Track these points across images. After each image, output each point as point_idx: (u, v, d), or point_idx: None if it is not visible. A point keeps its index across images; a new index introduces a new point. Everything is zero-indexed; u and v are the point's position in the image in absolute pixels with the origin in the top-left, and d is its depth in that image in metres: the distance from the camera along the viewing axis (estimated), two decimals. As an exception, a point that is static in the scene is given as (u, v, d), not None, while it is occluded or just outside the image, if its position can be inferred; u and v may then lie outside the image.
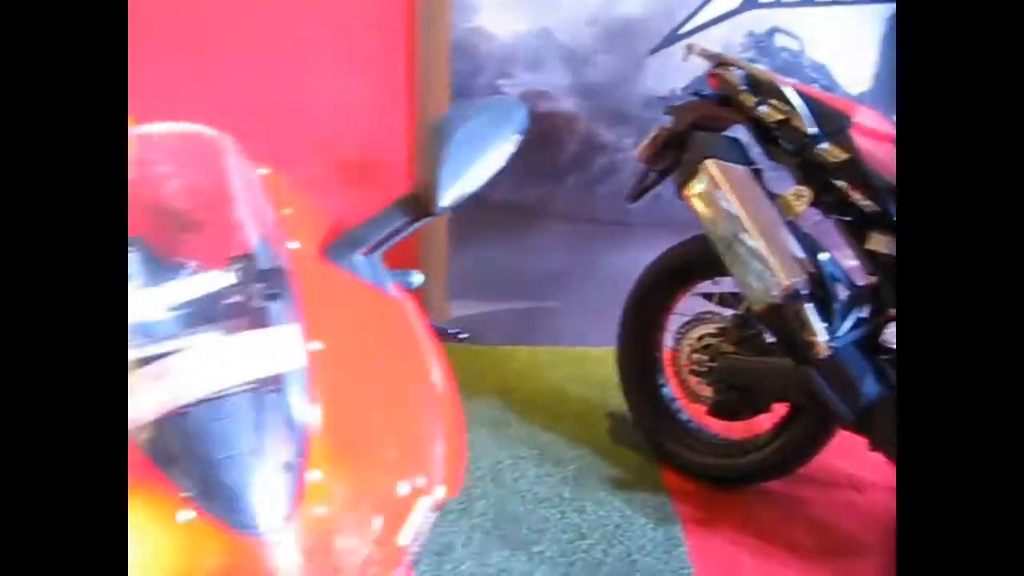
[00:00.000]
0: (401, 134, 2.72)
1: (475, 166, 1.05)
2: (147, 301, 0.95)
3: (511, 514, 2.14)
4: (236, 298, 0.96)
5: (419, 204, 1.05)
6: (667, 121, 2.16)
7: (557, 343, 2.90)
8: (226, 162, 1.02)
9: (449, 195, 1.04)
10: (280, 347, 0.89)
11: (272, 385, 0.87)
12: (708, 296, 2.24)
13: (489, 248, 2.80)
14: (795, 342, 1.93)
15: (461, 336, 1.25)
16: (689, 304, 2.30)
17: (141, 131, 1.02)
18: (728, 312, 2.19)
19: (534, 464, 2.34)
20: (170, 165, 1.06)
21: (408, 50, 2.65)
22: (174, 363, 0.84)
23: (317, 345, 0.92)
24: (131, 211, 1.00)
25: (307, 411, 0.88)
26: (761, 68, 2.05)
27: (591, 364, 2.78)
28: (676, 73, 2.58)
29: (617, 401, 2.48)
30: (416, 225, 1.07)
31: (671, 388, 2.37)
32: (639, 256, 2.35)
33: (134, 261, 0.97)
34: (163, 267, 1.00)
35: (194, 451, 0.81)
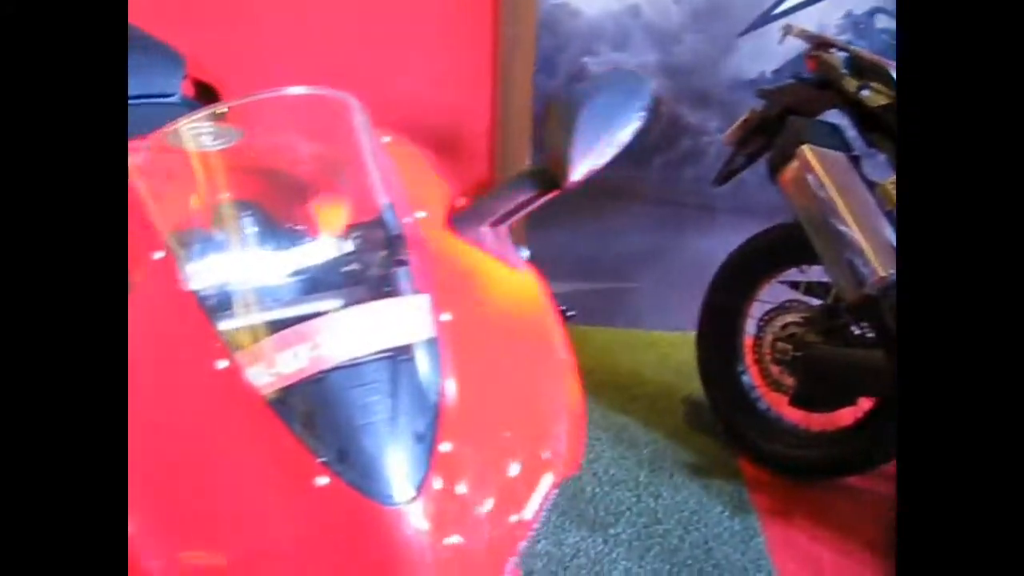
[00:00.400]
0: (484, 107, 2.71)
1: (604, 140, 1.04)
2: (265, 266, 0.95)
3: (587, 495, 2.13)
4: (354, 266, 0.96)
5: (548, 178, 1.04)
6: (759, 104, 2.11)
7: (634, 325, 2.87)
8: (355, 126, 1.01)
9: (579, 169, 1.02)
10: (413, 316, 0.88)
11: (405, 354, 0.86)
12: (794, 284, 2.20)
13: (570, 227, 2.77)
14: (888, 335, 1.88)
15: (570, 314, 1.24)
16: (773, 292, 2.26)
17: (271, 94, 1.01)
18: (815, 301, 2.15)
19: (609, 446, 2.33)
20: (297, 128, 1.06)
21: (494, 24, 2.62)
22: (313, 328, 0.84)
23: (447, 316, 0.91)
24: (247, 175, 1.00)
25: (437, 382, 0.87)
26: (865, 50, 1.98)
27: (667, 348, 2.75)
28: (765, 55, 2.52)
29: (692, 386, 2.45)
30: (544, 199, 1.06)
31: (751, 376, 2.33)
32: (720, 241, 2.31)
33: (249, 226, 0.97)
34: (279, 233, 1.00)
35: (333, 417, 0.81)
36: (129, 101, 1.82)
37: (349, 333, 0.84)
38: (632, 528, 2.04)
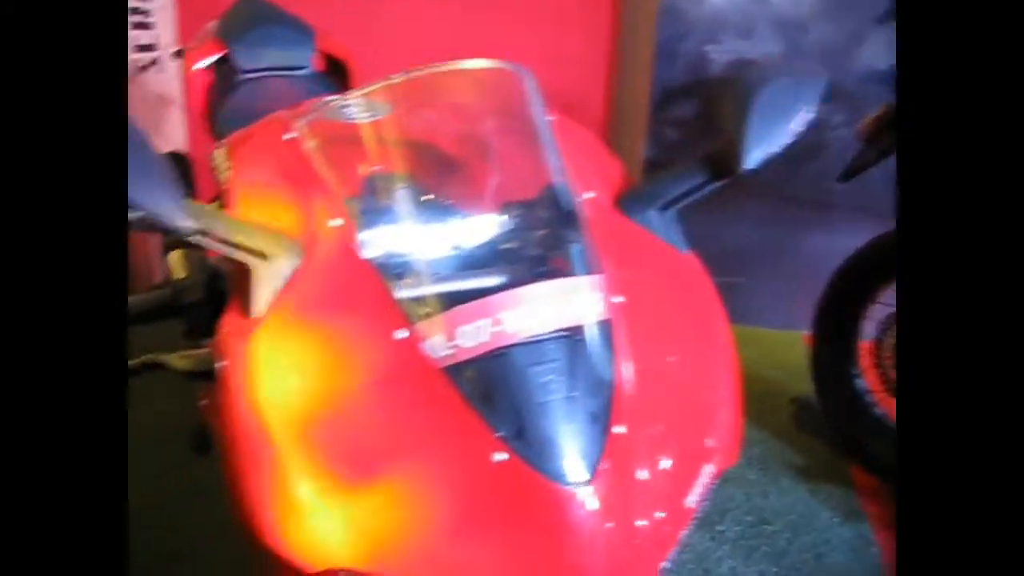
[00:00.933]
0: (599, 96, 2.69)
1: (779, 128, 1.00)
2: (436, 238, 0.95)
3: (693, 490, 2.09)
4: (527, 242, 0.95)
5: (722, 164, 1.01)
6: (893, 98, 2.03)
7: (741, 321, 2.80)
8: (529, 100, 1.00)
9: (754, 156, 0.99)
10: (589, 297, 0.87)
11: (581, 335, 0.85)
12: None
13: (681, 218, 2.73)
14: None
15: None
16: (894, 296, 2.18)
17: (447, 67, 1.01)
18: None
19: (715, 442, 2.28)
20: (463, 101, 1.06)
21: (613, 9, 2.59)
22: (496, 303, 0.83)
23: (618, 298, 0.90)
24: (403, 148, 1.00)
25: (611, 364, 0.86)
26: None
27: (775, 345, 2.68)
28: (897, 48, 2.42)
29: (801, 386, 2.38)
30: (715, 185, 1.03)
31: (866, 380, 2.25)
32: (837, 240, 2.23)
33: (403, 199, 0.97)
34: (444, 206, 1.00)
35: (512, 393, 0.81)
36: (263, 73, 1.86)
37: (530, 310, 0.83)
38: (738, 526, 1.99)
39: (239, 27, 1.90)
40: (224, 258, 0.98)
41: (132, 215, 0.78)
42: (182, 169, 2.18)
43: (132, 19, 2.55)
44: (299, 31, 1.91)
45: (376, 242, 0.90)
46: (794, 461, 2.23)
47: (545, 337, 0.83)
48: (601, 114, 2.71)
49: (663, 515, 0.84)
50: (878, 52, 2.47)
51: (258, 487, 0.79)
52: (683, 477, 0.86)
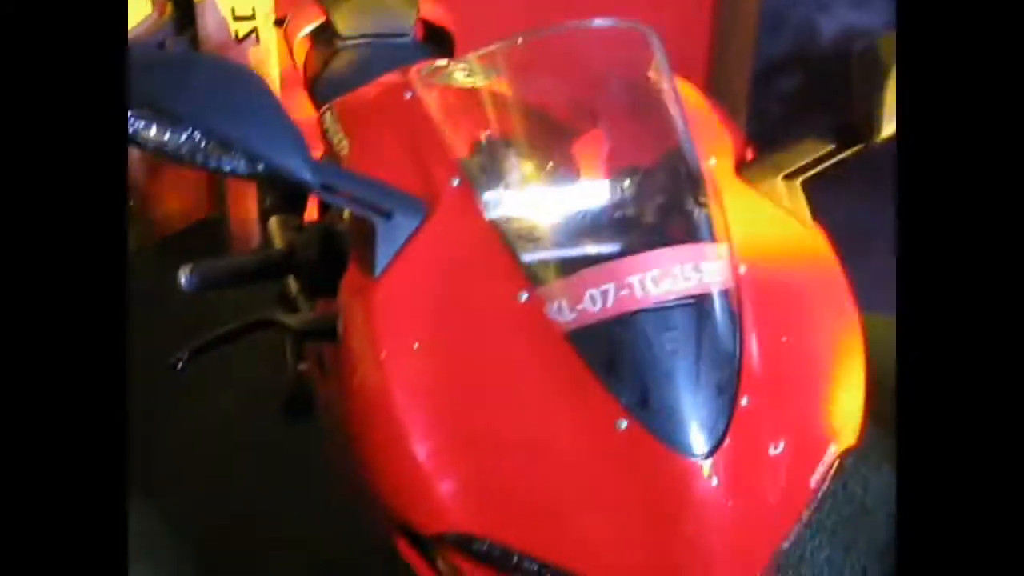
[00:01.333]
0: (697, 67, 2.61)
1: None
2: (555, 201, 0.92)
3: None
4: (650, 206, 0.92)
5: (854, 133, 0.95)
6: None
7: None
8: (658, 61, 0.96)
9: (889, 125, 0.93)
10: (716, 264, 0.84)
11: (707, 303, 0.82)
12: None
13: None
14: None
15: None
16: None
17: (570, 27, 0.98)
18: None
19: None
20: (591, 63, 1.02)
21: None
22: (622, 267, 0.80)
23: (743, 267, 0.86)
24: (516, 112, 0.97)
25: (736, 335, 0.82)
26: None
27: (874, 330, 2.58)
28: None
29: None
30: (845, 154, 0.97)
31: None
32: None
33: (520, 162, 0.94)
34: (552, 170, 0.97)
35: (637, 360, 0.78)
36: (366, 39, 1.86)
37: (657, 275, 0.80)
38: (837, 515, 1.92)
39: None
40: (341, 216, 0.97)
41: (258, 168, 0.78)
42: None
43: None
44: None
45: (496, 203, 0.88)
46: (894, 453, 2.15)
47: (671, 304, 0.80)
48: (699, 87, 2.63)
49: (785, 494, 0.80)
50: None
51: (377, 446, 0.79)
52: (807, 456, 0.83)
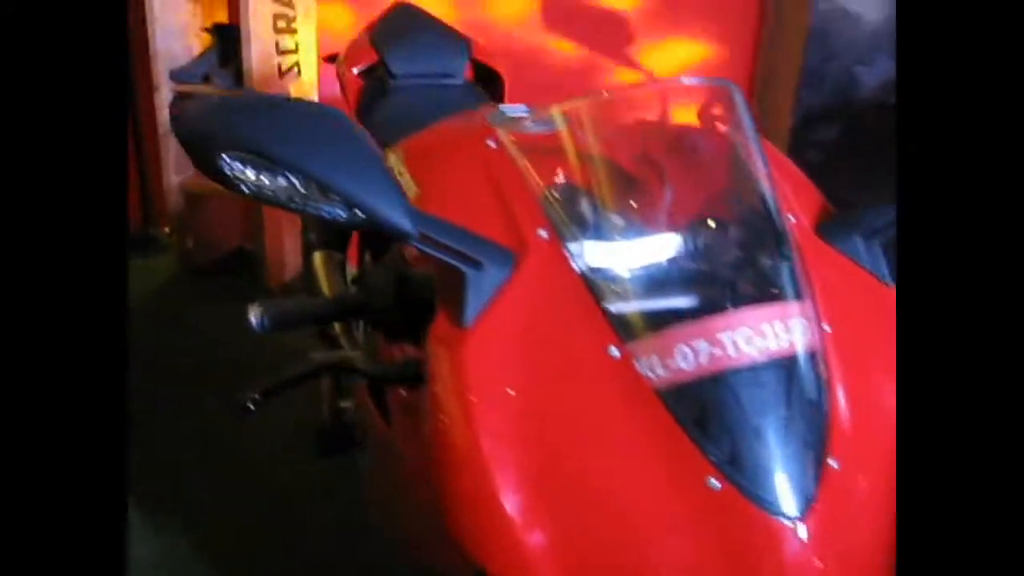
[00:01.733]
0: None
1: None
2: (637, 253, 0.91)
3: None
4: (719, 263, 0.90)
5: None
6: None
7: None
8: (742, 118, 0.96)
9: None
10: (802, 323, 0.82)
11: (795, 362, 0.81)
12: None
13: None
14: None
15: None
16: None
17: (661, 83, 0.98)
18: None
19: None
20: (669, 118, 1.02)
21: (757, 25, 2.53)
22: (714, 324, 0.79)
23: (827, 326, 0.85)
24: (597, 167, 0.96)
25: (824, 395, 0.81)
26: None
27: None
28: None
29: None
30: None
31: None
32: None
33: (601, 214, 0.93)
34: (632, 223, 0.96)
35: (727, 419, 0.77)
36: (419, 80, 1.87)
37: (749, 333, 0.79)
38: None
39: (394, 33, 1.92)
40: (403, 258, 0.97)
41: (357, 214, 0.78)
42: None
43: (277, 24, 2.62)
44: (453, 40, 1.92)
45: (582, 255, 0.87)
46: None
47: (760, 362, 0.79)
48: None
49: (872, 558, 0.78)
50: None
51: (464, 494, 0.78)
52: (889, 519, 0.81)
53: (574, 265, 0.86)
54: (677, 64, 2.60)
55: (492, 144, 0.99)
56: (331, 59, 2.11)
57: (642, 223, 0.94)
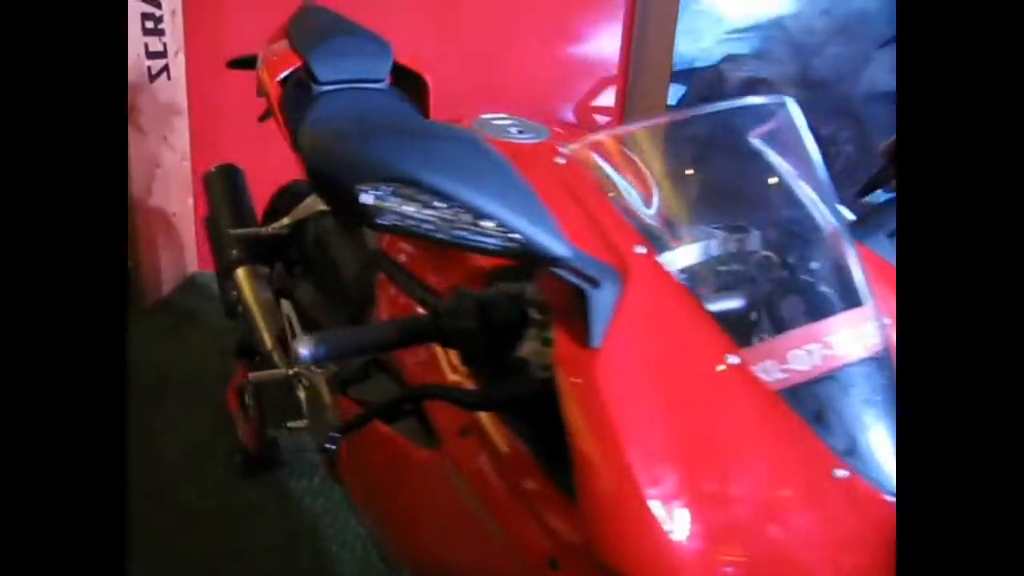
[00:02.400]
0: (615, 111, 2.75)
1: None
2: (712, 270, 0.96)
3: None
4: (788, 273, 0.97)
5: None
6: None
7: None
8: (799, 131, 1.01)
9: None
10: (879, 323, 0.90)
11: (885, 358, 0.89)
12: None
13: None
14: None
15: None
16: None
17: (717, 106, 1.00)
18: None
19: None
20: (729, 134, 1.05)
21: (627, 27, 2.66)
22: (824, 328, 0.86)
23: (887, 320, 0.94)
24: (667, 183, 1.01)
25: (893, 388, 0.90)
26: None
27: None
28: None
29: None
30: None
31: None
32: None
33: (681, 236, 0.96)
34: (710, 240, 0.99)
35: (843, 413, 0.84)
36: (342, 86, 1.83)
37: (851, 335, 0.87)
38: None
39: (316, 38, 1.85)
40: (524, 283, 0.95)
41: (512, 242, 0.77)
42: (236, 180, 2.12)
43: (145, 25, 2.45)
44: (377, 43, 1.88)
45: (677, 265, 0.91)
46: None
47: (864, 359, 0.87)
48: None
49: None
50: (881, 74, 2.64)
51: (615, 511, 0.79)
52: None
53: (678, 279, 0.90)
54: (551, 63, 2.69)
55: (561, 161, 1.01)
56: (236, 64, 2.02)
57: (718, 238, 0.98)
